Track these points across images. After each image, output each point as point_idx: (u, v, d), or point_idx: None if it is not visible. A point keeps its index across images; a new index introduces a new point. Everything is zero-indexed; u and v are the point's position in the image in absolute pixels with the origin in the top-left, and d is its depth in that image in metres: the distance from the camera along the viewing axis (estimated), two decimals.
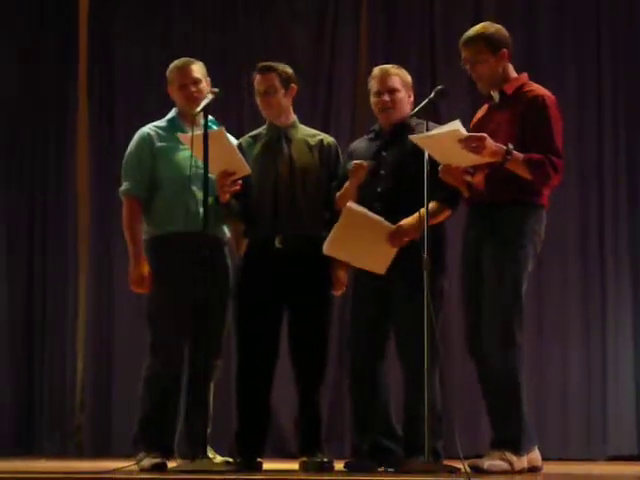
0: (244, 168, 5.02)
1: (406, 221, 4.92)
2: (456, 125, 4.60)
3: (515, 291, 4.73)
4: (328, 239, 4.95)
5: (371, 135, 5.24)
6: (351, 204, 4.92)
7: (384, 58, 7.61)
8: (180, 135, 5.07)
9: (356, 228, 4.89)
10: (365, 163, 4.97)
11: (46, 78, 8.18)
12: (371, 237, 4.89)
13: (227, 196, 5.02)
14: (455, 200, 4.98)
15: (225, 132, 4.97)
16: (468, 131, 4.69)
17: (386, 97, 5.09)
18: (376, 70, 5.17)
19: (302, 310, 5.15)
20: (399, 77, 5.12)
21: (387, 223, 4.91)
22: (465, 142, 4.57)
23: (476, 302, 4.81)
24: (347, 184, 5.03)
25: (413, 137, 4.77)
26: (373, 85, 5.15)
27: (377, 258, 4.92)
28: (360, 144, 5.27)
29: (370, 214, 4.92)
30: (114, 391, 7.85)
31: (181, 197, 5.17)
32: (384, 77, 5.12)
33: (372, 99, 5.17)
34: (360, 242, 4.90)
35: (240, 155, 5.05)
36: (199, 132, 4.83)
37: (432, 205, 4.82)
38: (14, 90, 8.21)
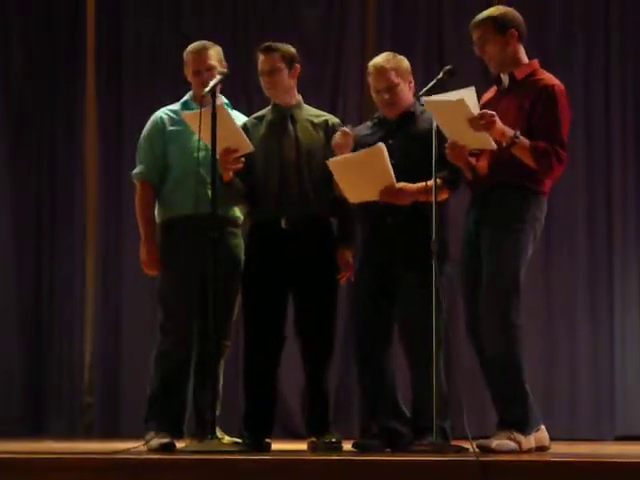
0: (246, 145, 4.98)
1: (407, 186, 4.89)
2: (468, 93, 4.57)
3: (513, 275, 4.71)
4: (337, 158, 4.90)
5: (374, 121, 5.19)
6: (383, 148, 4.84)
7: (392, 38, 7.60)
8: (183, 114, 5.05)
9: (367, 165, 4.84)
10: (348, 130, 4.97)
11: (54, 61, 8.22)
12: (371, 179, 4.85)
13: (230, 174, 4.99)
14: (455, 182, 4.91)
15: (225, 108, 4.93)
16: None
17: (386, 95, 5.03)
18: (370, 67, 5.08)
19: (308, 291, 5.14)
20: (394, 70, 5.03)
21: (393, 179, 4.87)
22: (474, 121, 4.56)
23: (476, 285, 4.80)
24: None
25: (426, 99, 4.69)
26: (371, 82, 5.10)
27: (366, 192, 4.91)
28: (364, 131, 5.19)
29: (388, 165, 4.86)
30: (123, 372, 7.86)
31: (190, 180, 5.16)
32: (379, 75, 5.04)
33: (372, 94, 5.12)
34: (360, 176, 4.85)
35: (242, 132, 5.01)
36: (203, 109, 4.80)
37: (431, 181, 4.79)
38: (22, 70, 8.25)
